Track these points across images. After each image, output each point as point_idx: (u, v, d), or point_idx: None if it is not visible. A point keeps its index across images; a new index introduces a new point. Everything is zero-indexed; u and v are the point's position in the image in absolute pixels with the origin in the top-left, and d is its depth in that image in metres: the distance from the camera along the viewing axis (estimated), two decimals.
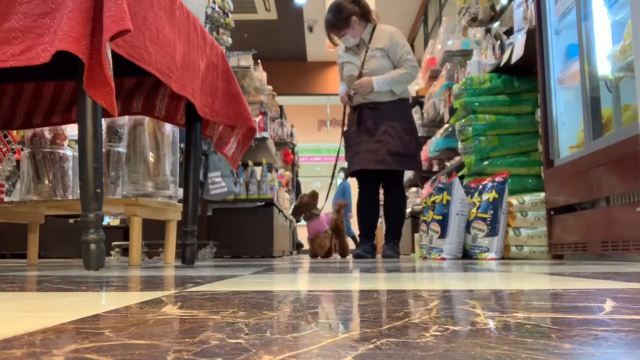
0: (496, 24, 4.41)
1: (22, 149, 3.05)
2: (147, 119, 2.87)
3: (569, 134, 3.15)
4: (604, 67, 2.72)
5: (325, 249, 4.72)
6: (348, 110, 4.40)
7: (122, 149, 2.87)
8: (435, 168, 6.15)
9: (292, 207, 4.59)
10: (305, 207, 4.73)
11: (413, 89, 6.72)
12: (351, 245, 8.03)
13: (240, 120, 2.63)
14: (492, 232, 3.40)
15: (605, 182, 2.54)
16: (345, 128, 4.41)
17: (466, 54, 5.36)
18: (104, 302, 0.80)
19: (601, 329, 0.50)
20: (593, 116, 2.75)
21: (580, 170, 2.76)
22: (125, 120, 2.88)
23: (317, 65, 12.57)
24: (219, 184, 4.46)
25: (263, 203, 5.18)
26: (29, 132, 2.95)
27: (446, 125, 5.33)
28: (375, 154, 4.00)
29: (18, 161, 3.77)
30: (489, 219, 3.44)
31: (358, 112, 4.16)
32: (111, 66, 1.58)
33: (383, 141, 3.99)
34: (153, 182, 2.86)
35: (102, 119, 2.09)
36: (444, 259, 3.51)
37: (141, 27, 1.80)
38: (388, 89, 4.07)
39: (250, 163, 5.25)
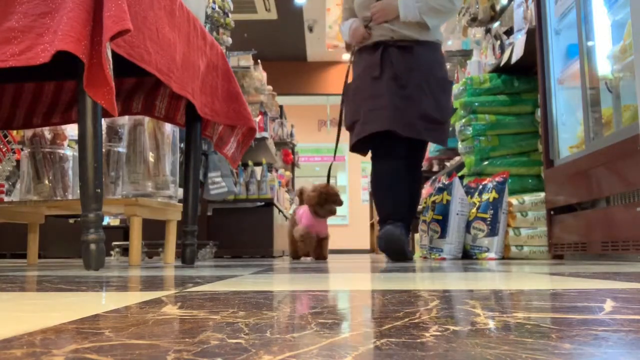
0: (496, 24, 4.41)
1: (22, 149, 3.05)
2: (147, 119, 2.87)
3: (569, 134, 3.15)
4: (604, 67, 2.72)
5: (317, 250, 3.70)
6: (354, 60, 3.25)
7: (122, 149, 2.87)
8: (435, 168, 6.15)
9: (313, 194, 3.48)
10: (328, 199, 3.55)
11: None
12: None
13: (240, 120, 2.63)
14: (492, 232, 3.40)
15: (605, 182, 2.54)
16: (351, 78, 3.26)
17: (466, 54, 5.37)
18: (104, 302, 0.80)
19: (601, 329, 0.50)
20: (593, 116, 2.75)
21: (580, 170, 2.76)
22: (125, 120, 2.88)
23: (317, 65, 12.56)
24: (219, 184, 4.46)
25: (263, 203, 5.18)
26: (29, 132, 2.95)
27: None
28: (403, 113, 2.96)
29: (18, 161, 3.77)
30: (489, 219, 3.44)
31: (382, 51, 3.02)
32: (111, 66, 1.58)
33: (413, 98, 2.96)
34: (153, 182, 2.87)
35: (102, 119, 2.09)
36: (444, 259, 3.51)
37: (141, 27, 1.80)
38: (418, 19, 2.96)
39: (250, 163, 5.25)
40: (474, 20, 4.55)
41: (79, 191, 1.77)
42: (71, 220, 5.12)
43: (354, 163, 13.39)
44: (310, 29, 11.07)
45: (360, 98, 3.08)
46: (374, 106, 3.00)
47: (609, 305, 0.70)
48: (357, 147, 3.22)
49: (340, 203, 3.56)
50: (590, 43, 2.77)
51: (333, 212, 3.54)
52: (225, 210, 5.09)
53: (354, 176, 13.67)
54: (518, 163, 3.79)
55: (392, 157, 3.09)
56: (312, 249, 3.65)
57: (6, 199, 3.80)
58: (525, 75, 3.85)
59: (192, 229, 2.56)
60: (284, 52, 11.95)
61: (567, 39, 3.19)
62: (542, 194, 3.35)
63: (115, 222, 5.72)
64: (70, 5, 1.59)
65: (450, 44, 5.74)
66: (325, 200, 3.51)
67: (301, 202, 3.90)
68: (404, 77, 2.98)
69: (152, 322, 0.56)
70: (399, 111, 2.95)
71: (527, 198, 3.44)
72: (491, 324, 0.54)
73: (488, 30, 4.56)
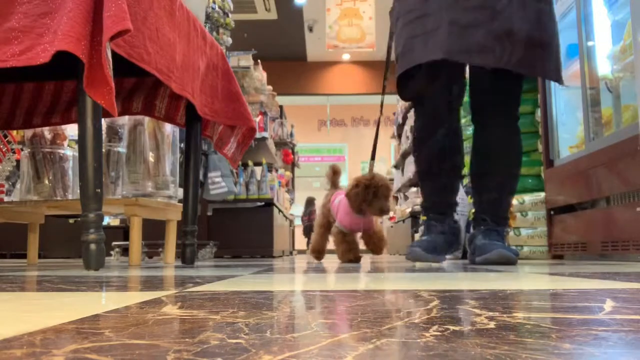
0: None
1: (22, 149, 3.05)
2: (147, 119, 2.87)
3: (569, 134, 3.16)
4: (604, 67, 2.72)
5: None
6: None
7: (122, 149, 2.87)
8: None
9: (358, 188, 2.65)
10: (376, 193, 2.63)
11: None
12: None
13: (240, 120, 2.63)
14: None
15: (605, 182, 2.54)
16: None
17: None
18: (104, 302, 0.80)
19: (601, 329, 0.50)
20: (593, 116, 2.76)
21: (580, 170, 2.76)
22: (125, 120, 2.88)
23: (317, 65, 12.57)
24: (219, 184, 4.46)
25: (263, 203, 5.18)
26: (29, 132, 2.95)
27: None
28: (471, 30, 2.03)
29: (18, 161, 3.77)
30: None
31: None
32: (111, 66, 1.58)
33: (486, 7, 2.04)
34: (153, 182, 2.87)
35: (102, 119, 2.09)
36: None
37: (141, 27, 1.80)
38: None
39: (250, 163, 5.25)
40: None
41: (79, 191, 1.77)
42: (71, 220, 5.12)
43: (354, 163, 13.40)
44: (310, 29, 11.07)
45: (404, 21, 2.23)
46: (421, 29, 2.13)
47: (609, 305, 0.70)
48: (404, 90, 2.35)
49: (390, 198, 2.63)
50: (590, 43, 2.77)
51: (385, 211, 2.61)
52: (225, 210, 5.09)
53: (354, 176, 13.66)
54: None
55: (446, 110, 2.29)
56: (356, 253, 2.82)
57: (6, 199, 3.80)
58: None
59: (192, 229, 2.56)
60: (284, 52, 11.96)
61: (567, 39, 3.19)
62: (542, 194, 3.35)
63: (115, 222, 5.72)
64: (70, 5, 1.59)
65: None
66: (373, 196, 2.59)
67: (333, 185, 3.17)
68: None
69: (152, 322, 0.56)
70: (462, 29, 2.03)
71: (527, 198, 3.43)
72: (491, 324, 0.54)
73: None
